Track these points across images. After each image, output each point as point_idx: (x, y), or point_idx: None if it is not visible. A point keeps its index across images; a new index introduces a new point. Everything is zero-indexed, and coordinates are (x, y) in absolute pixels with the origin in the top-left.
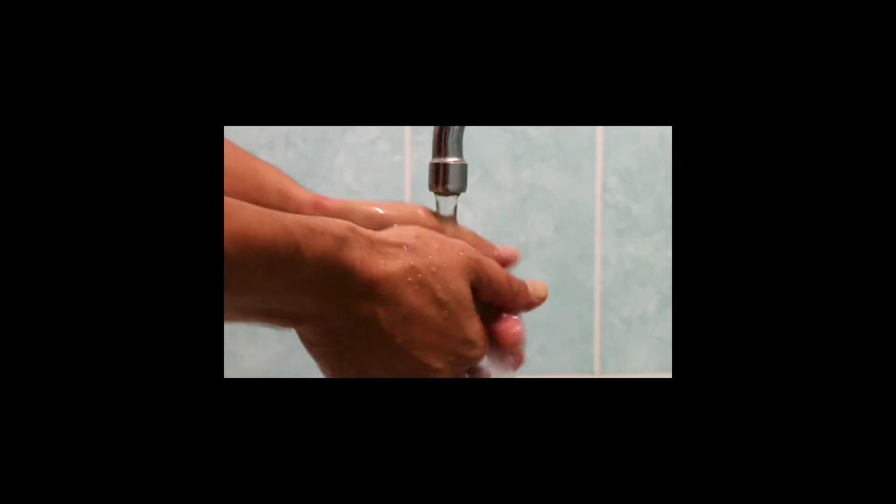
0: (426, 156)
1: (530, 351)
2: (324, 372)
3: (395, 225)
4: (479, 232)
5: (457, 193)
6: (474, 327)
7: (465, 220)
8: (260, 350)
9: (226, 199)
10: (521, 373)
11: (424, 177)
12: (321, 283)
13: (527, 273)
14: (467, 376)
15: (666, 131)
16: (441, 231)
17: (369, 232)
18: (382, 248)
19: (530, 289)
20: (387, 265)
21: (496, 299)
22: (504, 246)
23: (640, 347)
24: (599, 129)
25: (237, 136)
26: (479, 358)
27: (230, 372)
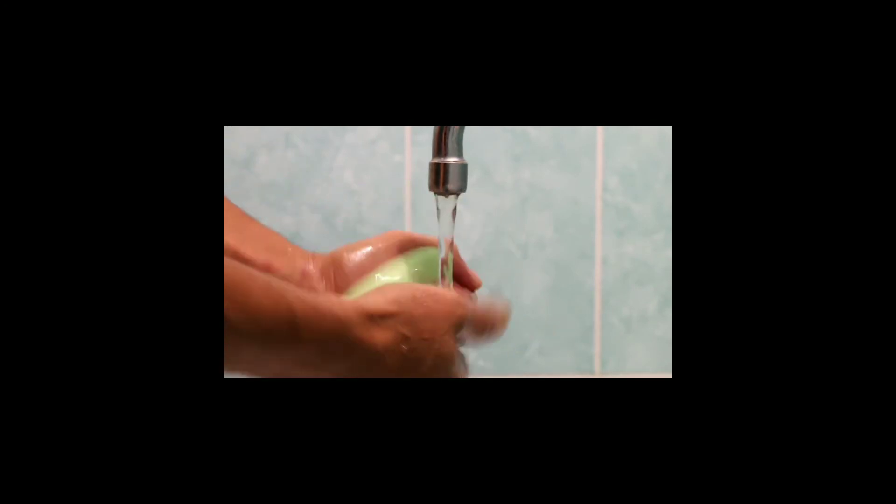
0: (426, 156)
1: (530, 351)
2: None
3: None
4: (479, 232)
5: (457, 193)
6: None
7: (465, 219)
8: None
9: (235, 267)
10: (522, 373)
11: (424, 177)
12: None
13: (527, 273)
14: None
15: (666, 131)
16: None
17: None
18: (379, 321)
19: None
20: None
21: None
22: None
23: (640, 347)
24: (599, 129)
25: (237, 136)
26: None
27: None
